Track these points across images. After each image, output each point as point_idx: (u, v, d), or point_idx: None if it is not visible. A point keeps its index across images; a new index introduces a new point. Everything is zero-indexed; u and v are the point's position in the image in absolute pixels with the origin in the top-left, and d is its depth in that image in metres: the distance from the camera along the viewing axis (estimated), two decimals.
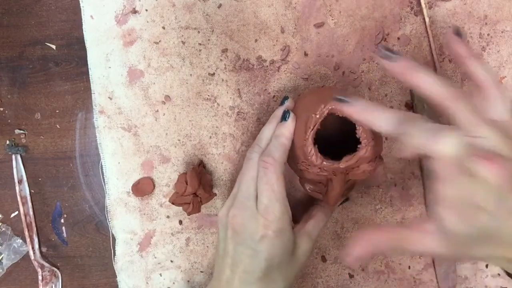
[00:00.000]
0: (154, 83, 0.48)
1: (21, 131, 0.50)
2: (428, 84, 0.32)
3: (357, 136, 0.36)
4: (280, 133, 0.39)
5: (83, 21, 0.48)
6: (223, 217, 0.39)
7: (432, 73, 0.32)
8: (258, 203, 0.38)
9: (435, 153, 0.29)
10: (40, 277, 0.50)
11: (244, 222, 0.37)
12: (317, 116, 0.36)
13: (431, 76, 0.32)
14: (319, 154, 0.36)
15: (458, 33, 0.34)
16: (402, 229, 0.33)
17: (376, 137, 0.37)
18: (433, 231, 0.31)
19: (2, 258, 0.51)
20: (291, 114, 0.39)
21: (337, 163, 0.36)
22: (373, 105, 0.34)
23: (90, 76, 0.48)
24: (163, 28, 0.48)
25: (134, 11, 0.48)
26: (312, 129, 0.36)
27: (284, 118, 0.39)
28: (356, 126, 0.36)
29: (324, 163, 0.36)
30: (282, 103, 0.41)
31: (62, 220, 0.51)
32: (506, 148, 0.29)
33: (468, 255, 0.31)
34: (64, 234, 0.51)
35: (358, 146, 0.36)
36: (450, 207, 0.29)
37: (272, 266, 0.37)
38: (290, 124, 0.39)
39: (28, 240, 0.50)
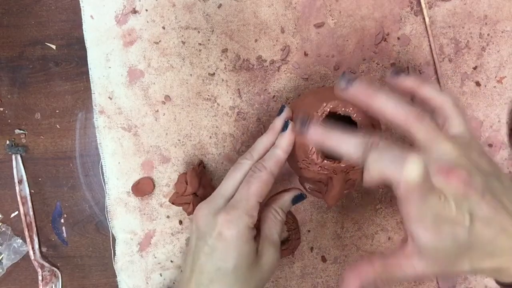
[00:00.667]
0: (154, 83, 0.48)
1: (21, 131, 0.50)
2: (387, 106, 0.33)
3: None
4: (277, 144, 0.38)
5: (83, 21, 0.48)
6: (194, 213, 0.39)
7: (391, 95, 0.33)
8: (229, 202, 0.37)
9: (400, 180, 0.29)
10: (40, 277, 0.50)
11: (206, 216, 0.36)
12: (319, 115, 0.36)
13: (390, 97, 0.33)
14: (320, 153, 0.36)
15: (396, 72, 0.35)
16: (386, 258, 0.33)
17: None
18: (414, 252, 0.31)
19: (2, 258, 0.51)
20: (290, 125, 0.38)
21: (338, 162, 0.36)
22: (340, 132, 0.34)
23: (90, 76, 0.48)
24: (163, 28, 0.48)
25: (134, 11, 0.48)
26: None
27: (283, 129, 0.38)
28: (357, 125, 0.36)
29: (325, 161, 0.36)
30: (279, 113, 0.40)
31: (62, 220, 0.51)
32: (465, 159, 0.30)
33: (453, 270, 0.31)
34: (64, 234, 0.51)
35: None
36: (422, 225, 0.30)
37: (227, 271, 0.35)
38: (288, 135, 0.38)
39: (28, 240, 0.50)
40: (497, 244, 0.29)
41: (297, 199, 0.40)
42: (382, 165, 0.30)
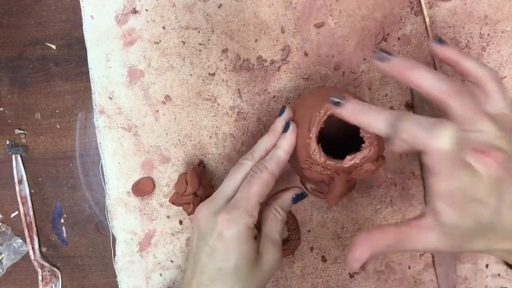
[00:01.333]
0: (154, 83, 0.48)
1: (21, 131, 0.50)
2: (425, 79, 0.31)
3: (361, 135, 0.36)
4: (279, 145, 0.38)
5: (83, 21, 0.48)
6: (195, 214, 0.38)
7: (430, 69, 0.32)
8: (230, 202, 0.36)
9: (431, 147, 0.28)
10: (40, 277, 0.50)
11: (207, 216, 0.36)
12: (321, 115, 0.36)
13: (428, 71, 0.31)
14: (322, 153, 0.36)
15: (440, 40, 0.34)
16: (399, 228, 0.32)
17: (379, 136, 0.37)
18: (431, 226, 0.31)
19: (2, 258, 0.51)
20: (291, 126, 0.38)
21: (341, 162, 0.36)
22: (367, 106, 0.33)
23: (90, 76, 0.48)
24: (163, 28, 0.48)
25: (134, 11, 0.48)
26: (316, 127, 0.36)
27: (284, 129, 0.38)
28: None
29: (328, 161, 0.36)
30: (280, 113, 0.39)
31: (62, 220, 0.51)
32: (504, 142, 0.29)
33: (467, 249, 0.31)
34: (64, 234, 0.51)
35: (362, 145, 0.36)
36: (448, 201, 0.29)
37: (228, 270, 0.35)
38: (289, 136, 0.38)
39: (28, 240, 0.50)
40: None
41: (298, 197, 0.40)
42: (415, 131, 0.29)
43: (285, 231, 0.48)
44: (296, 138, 0.38)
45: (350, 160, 0.35)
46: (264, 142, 0.39)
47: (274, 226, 0.38)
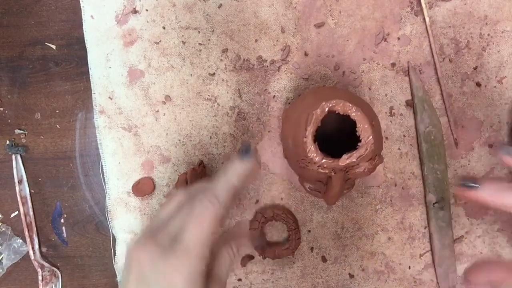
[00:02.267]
0: (155, 83, 0.48)
1: (21, 131, 0.50)
2: None
3: (357, 134, 0.36)
4: (231, 170, 0.33)
5: (83, 21, 0.48)
6: (130, 251, 0.31)
7: None
8: (176, 240, 0.30)
9: None
10: (40, 277, 0.50)
11: (152, 260, 0.29)
12: (318, 113, 0.36)
13: None
14: (319, 151, 0.36)
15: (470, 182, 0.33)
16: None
17: (376, 135, 0.37)
18: None
19: (2, 258, 0.51)
20: (253, 153, 0.34)
21: (337, 161, 0.36)
22: (507, 186, 0.31)
23: (90, 76, 0.48)
24: (164, 28, 0.48)
25: (135, 11, 0.48)
26: (312, 126, 0.36)
27: (245, 153, 0.34)
28: (357, 124, 0.36)
29: (324, 160, 0.36)
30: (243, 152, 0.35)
31: (62, 220, 0.51)
32: None
33: None
34: (64, 234, 0.51)
35: (358, 144, 0.36)
36: None
37: None
38: (248, 162, 0.34)
39: (28, 240, 0.50)
40: None
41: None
42: None
43: (285, 231, 0.48)
44: (293, 136, 0.38)
45: (346, 159, 0.35)
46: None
47: (225, 266, 0.34)
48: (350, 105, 0.36)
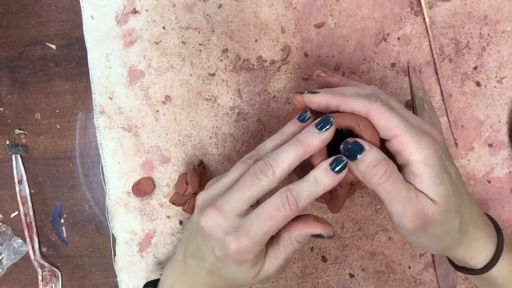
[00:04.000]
0: (155, 83, 0.48)
1: (21, 131, 0.50)
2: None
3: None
4: (317, 177, 0.31)
5: (83, 21, 0.48)
6: (202, 202, 0.33)
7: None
8: (244, 217, 0.31)
9: None
10: (40, 277, 0.50)
11: (219, 231, 0.31)
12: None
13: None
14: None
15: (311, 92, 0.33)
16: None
17: (383, 146, 0.35)
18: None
19: (2, 258, 0.51)
20: (347, 167, 0.31)
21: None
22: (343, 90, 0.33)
23: (90, 76, 0.48)
24: (164, 28, 0.48)
25: (135, 11, 0.48)
26: None
27: (335, 166, 0.31)
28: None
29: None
30: (302, 119, 0.33)
31: (62, 220, 0.51)
32: None
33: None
34: (64, 234, 0.51)
35: None
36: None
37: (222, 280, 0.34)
38: (337, 176, 0.31)
39: (28, 240, 0.50)
40: None
41: (317, 236, 0.34)
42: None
43: None
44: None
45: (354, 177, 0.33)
46: (272, 142, 0.33)
47: (283, 254, 0.33)
48: (358, 126, 0.32)
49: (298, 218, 0.33)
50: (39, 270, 0.50)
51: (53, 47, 0.49)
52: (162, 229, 0.49)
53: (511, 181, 0.47)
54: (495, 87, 0.47)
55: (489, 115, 0.47)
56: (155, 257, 0.49)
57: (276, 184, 0.31)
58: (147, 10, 0.48)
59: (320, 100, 0.32)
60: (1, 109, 0.50)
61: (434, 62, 0.47)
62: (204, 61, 0.48)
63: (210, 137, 0.48)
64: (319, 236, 0.33)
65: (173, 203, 0.46)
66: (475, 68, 0.46)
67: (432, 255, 0.48)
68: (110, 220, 0.49)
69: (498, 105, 0.47)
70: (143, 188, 0.48)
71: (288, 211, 0.30)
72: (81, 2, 0.48)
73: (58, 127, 0.50)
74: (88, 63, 0.48)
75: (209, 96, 0.48)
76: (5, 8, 0.49)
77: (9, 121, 0.50)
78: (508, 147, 0.47)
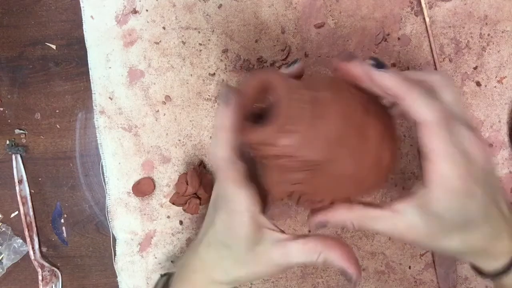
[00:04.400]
0: (155, 83, 0.48)
1: (21, 131, 0.50)
2: None
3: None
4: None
5: (83, 21, 0.48)
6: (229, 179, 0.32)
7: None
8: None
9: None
10: (40, 277, 0.50)
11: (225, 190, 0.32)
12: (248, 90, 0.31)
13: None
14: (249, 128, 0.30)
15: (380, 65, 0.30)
16: (372, 209, 0.32)
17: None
18: (406, 213, 0.31)
19: (2, 258, 0.51)
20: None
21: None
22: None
23: (90, 76, 0.48)
24: (164, 28, 0.48)
25: (135, 11, 0.48)
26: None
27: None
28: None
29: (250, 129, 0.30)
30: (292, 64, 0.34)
31: (62, 220, 0.51)
32: None
33: (436, 246, 0.31)
34: (64, 234, 0.51)
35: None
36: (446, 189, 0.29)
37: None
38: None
39: (28, 240, 0.50)
40: None
41: (344, 274, 0.33)
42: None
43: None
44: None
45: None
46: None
47: (296, 258, 0.33)
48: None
49: (344, 249, 0.33)
50: (39, 270, 0.50)
51: (53, 47, 0.49)
52: (162, 229, 0.49)
53: (511, 181, 0.47)
54: (495, 87, 0.47)
55: (489, 115, 0.47)
56: (155, 257, 0.49)
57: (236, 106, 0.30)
58: (147, 10, 0.48)
59: (388, 83, 0.29)
60: (1, 109, 0.50)
61: (434, 62, 0.47)
62: (204, 61, 0.48)
63: (210, 137, 0.48)
64: (345, 274, 0.32)
65: (173, 203, 0.46)
66: (475, 68, 0.47)
67: (433, 255, 0.48)
68: (110, 220, 0.49)
69: (498, 105, 0.47)
70: (143, 188, 0.48)
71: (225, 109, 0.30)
72: (81, 2, 0.48)
73: (58, 127, 0.50)
74: (88, 63, 0.48)
75: (209, 96, 0.48)
76: (5, 8, 0.49)
77: (9, 121, 0.50)
78: (508, 147, 0.47)
